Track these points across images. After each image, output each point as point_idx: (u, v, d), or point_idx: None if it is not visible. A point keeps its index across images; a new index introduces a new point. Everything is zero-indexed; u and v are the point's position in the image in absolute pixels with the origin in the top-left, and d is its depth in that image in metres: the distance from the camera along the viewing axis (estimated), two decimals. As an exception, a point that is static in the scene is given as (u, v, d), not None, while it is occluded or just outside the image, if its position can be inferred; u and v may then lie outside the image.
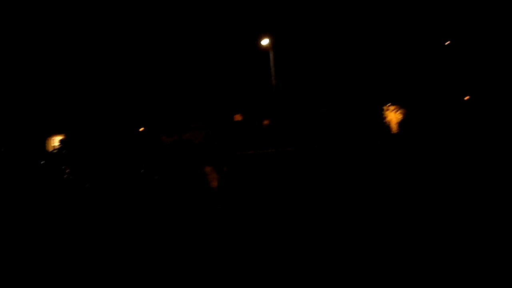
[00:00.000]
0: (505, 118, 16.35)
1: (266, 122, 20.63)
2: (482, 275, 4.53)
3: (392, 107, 17.74)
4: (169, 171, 8.49)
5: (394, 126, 17.68)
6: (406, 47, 24.27)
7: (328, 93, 24.92)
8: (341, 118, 19.89)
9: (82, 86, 25.44)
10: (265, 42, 26.27)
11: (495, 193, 8.22)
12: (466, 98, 19.90)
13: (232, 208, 7.09)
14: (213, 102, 26.67)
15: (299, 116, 22.03)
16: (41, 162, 11.85)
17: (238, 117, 23.73)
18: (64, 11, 25.67)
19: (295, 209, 8.30)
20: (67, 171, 10.36)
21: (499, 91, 18.84)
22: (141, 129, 23.09)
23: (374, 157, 13.83)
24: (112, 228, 7.60)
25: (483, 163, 11.24)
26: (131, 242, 6.37)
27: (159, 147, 10.59)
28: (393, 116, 17.67)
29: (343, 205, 8.32)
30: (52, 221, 8.42)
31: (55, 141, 21.76)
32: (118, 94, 25.94)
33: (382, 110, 17.94)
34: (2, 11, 24.63)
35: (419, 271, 4.81)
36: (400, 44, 24.56)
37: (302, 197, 9.26)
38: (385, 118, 17.95)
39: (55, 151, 15.54)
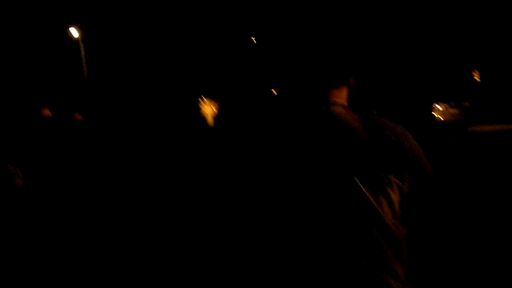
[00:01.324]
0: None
1: (79, 117, 19.58)
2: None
3: (206, 100, 18.27)
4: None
5: (210, 119, 18.22)
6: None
7: (139, 88, 24.68)
8: (159, 111, 19.93)
9: None
10: (75, 33, 24.86)
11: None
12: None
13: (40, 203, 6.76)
14: (14, 95, 24.41)
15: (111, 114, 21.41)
16: None
17: (46, 112, 22.05)
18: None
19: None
20: None
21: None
22: None
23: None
24: None
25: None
26: None
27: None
28: (208, 109, 18.20)
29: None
30: None
31: None
32: None
33: (198, 102, 18.38)
34: None
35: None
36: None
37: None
38: (200, 111, 18.41)
39: None
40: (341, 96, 1.69)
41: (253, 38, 25.73)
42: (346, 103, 1.69)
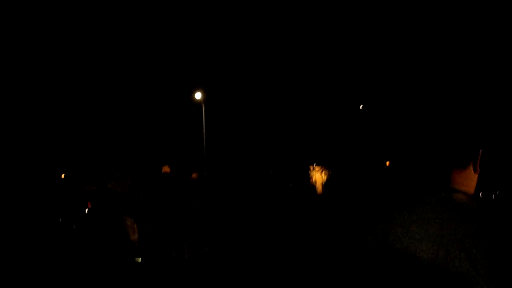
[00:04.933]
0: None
1: (194, 175, 20.52)
2: None
3: (317, 168, 18.26)
4: (88, 221, 8.16)
5: (319, 187, 18.11)
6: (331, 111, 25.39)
7: (255, 151, 25.33)
8: (268, 176, 20.19)
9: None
10: (198, 96, 26.58)
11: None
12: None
13: (151, 261, 6.92)
14: (141, 152, 26.29)
15: (227, 172, 22.14)
16: None
17: (166, 169, 23.48)
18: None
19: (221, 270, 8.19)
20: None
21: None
22: (62, 175, 22.17)
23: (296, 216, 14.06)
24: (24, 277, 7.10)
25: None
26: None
27: (80, 196, 10.20)
28: (318, 176, 18.13)
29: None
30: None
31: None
32: (42, 133, 25.01)
33: (308, 170, 18.44)
34: None
35: None
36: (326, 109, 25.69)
37: (227, 256, 9.17)
38: (311, 178, 18.38)
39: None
40: (464, 182, 1.56)
41: (361, 106, 25.63)
42: (471, 190, 1.55)
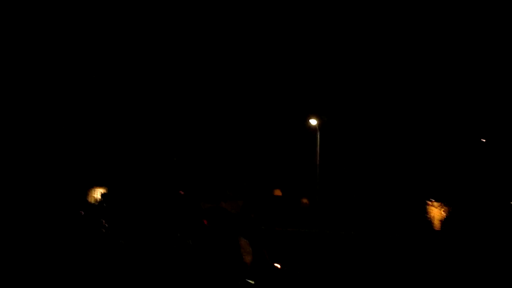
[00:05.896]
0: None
1: (305, 201, 20.49)
2: None
3: (436, 204, 17.33)
4: (204, 238, 8.46)
5: (436, 223, 17.16)
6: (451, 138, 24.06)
7: (371, 180, 24.66)
8: (384, 207, 19.55)
9: (129, 141, 26.15)
10: (313, 122, 26.65)
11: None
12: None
13: (264, 285, 6.94)
14: (254, 174, 26.86)
15: (339, 200, 21.80)
16: (81, 213, 12.06)
17: (277, 192, 23.70)
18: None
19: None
20: (105, 225, 10.49)
21: None
22: (181, 192, 23.33)
23: (411, 251, 13.42)
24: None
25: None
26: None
27: (197, 213, 10.63)
28: (436, 212, 17.21)
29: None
30: (82, 273, 8.43)
31: (97, 193, 22.23)
32: (163, 153, 26.56)
33: (426, 204, 17.54)
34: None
35: None
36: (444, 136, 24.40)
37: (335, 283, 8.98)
38: (428, 213, 17.50)
39: (96, 203, 15.84)
40: None
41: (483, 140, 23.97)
42: None
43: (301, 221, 15.21)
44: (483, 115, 24.28)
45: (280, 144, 28.08)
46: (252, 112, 28.49)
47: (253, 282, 5.73)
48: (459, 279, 10.49)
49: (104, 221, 10.73)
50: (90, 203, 16.17)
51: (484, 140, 24.20)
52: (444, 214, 16.85)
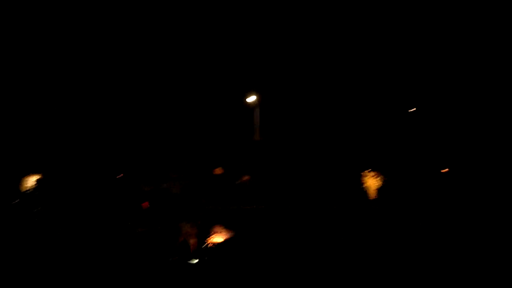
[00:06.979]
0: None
1: (246, 177, 20.62)
2: None
3: (371, 173, 17.91)
4: (146, 221, 8.35)
5: (372, 192, 17.76)
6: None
7: (309, 153, 25.11)
8: (322, 180, 19.99)
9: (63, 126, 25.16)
10: (251, 99, 26.69)
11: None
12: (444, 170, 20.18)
13: (208, 264, 6.97)
14: (193, 154, 26.67)
15: (279, 174, 22.07)
16: (14, 202, 11.58)
17: (218, 171, 23.67)
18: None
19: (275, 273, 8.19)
20: (39, 212, 10.13)
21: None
22: (120, 175, 22.82)
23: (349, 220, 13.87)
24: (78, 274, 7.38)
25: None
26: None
27: (138, 196, 10.48)
28: (372, 181, 17.81)
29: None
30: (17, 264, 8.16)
31: (31, 181, 21.28)
32: (99, 136, 25.78)
33: (361, 175, 18.09)
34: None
35: None
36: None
37: (279, 259, 9.15)
38: (364, 183, 18.08)
39: (29, 191, 15.15)
40: None
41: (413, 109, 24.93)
42: None
43: (242, 199, 15.31)
44: (415, 84, 25.12)
45: (220, 122, 27.98)
46: (190, 92, 28.12)
47: (195, 261, 5.75)
48: (396, 246, 10.95)
49: (37, 209, 10.36)
50: (22, 192, 15.47)
51: (414, 109, 25.15)
52: (380, 183, 17.46)
